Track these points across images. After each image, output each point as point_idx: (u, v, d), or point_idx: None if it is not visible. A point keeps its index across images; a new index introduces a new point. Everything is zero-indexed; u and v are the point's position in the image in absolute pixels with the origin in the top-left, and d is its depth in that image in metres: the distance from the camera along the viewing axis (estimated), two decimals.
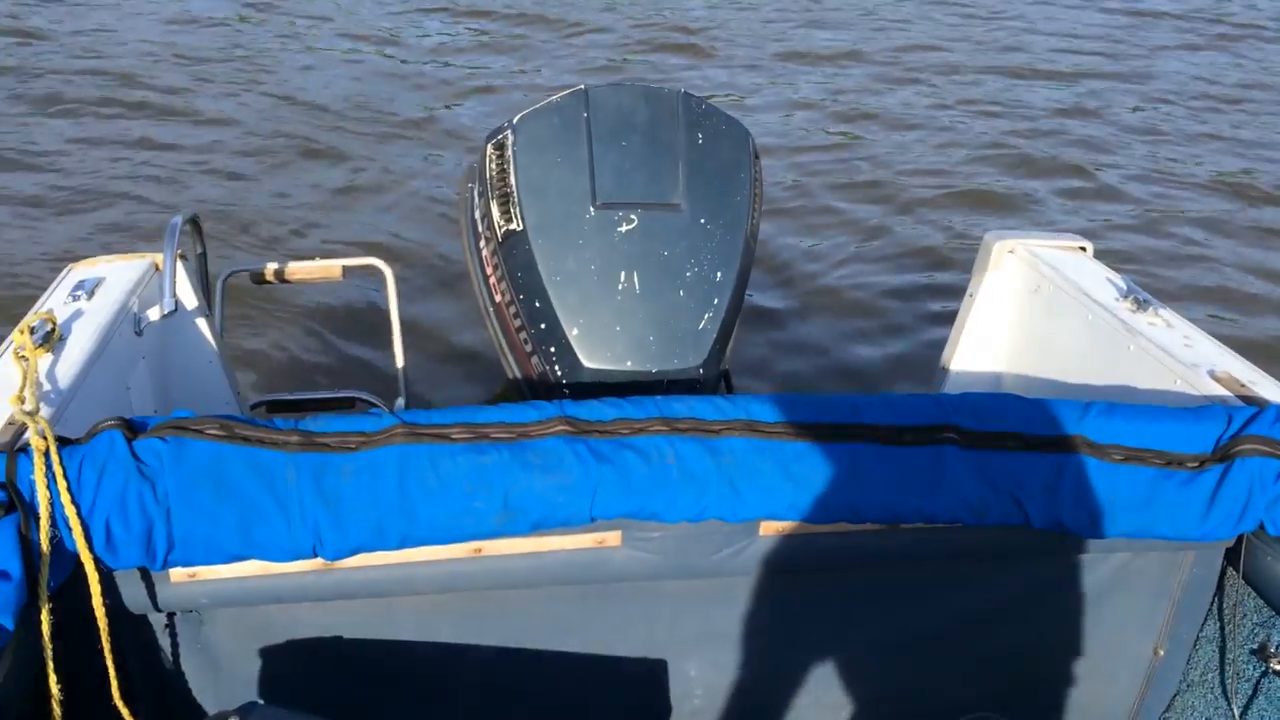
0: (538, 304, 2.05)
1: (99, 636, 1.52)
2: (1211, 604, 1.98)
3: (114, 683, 1.56)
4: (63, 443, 1.50)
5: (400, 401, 2.73)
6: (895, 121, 7.37)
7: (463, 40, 8.89)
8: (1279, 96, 8.36)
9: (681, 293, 2.04)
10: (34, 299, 2.19)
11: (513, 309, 2.13)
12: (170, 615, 1.73)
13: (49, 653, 1.45)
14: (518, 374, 2.22)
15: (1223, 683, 1.97)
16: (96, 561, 1.49)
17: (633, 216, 2.06)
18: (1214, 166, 6.82)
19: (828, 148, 6.87)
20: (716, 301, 2.06)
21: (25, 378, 1.68)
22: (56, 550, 1.47)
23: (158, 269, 2.30)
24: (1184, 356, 2.04)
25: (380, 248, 5.15)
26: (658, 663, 1.89)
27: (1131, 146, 7.13)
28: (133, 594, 1.62)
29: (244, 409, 2.59)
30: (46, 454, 1.46)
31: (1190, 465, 1.72)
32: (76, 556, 1.49)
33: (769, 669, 1.93)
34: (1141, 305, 2.22)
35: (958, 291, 2.74)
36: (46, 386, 1.78)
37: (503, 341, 2.25)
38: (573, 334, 2.01)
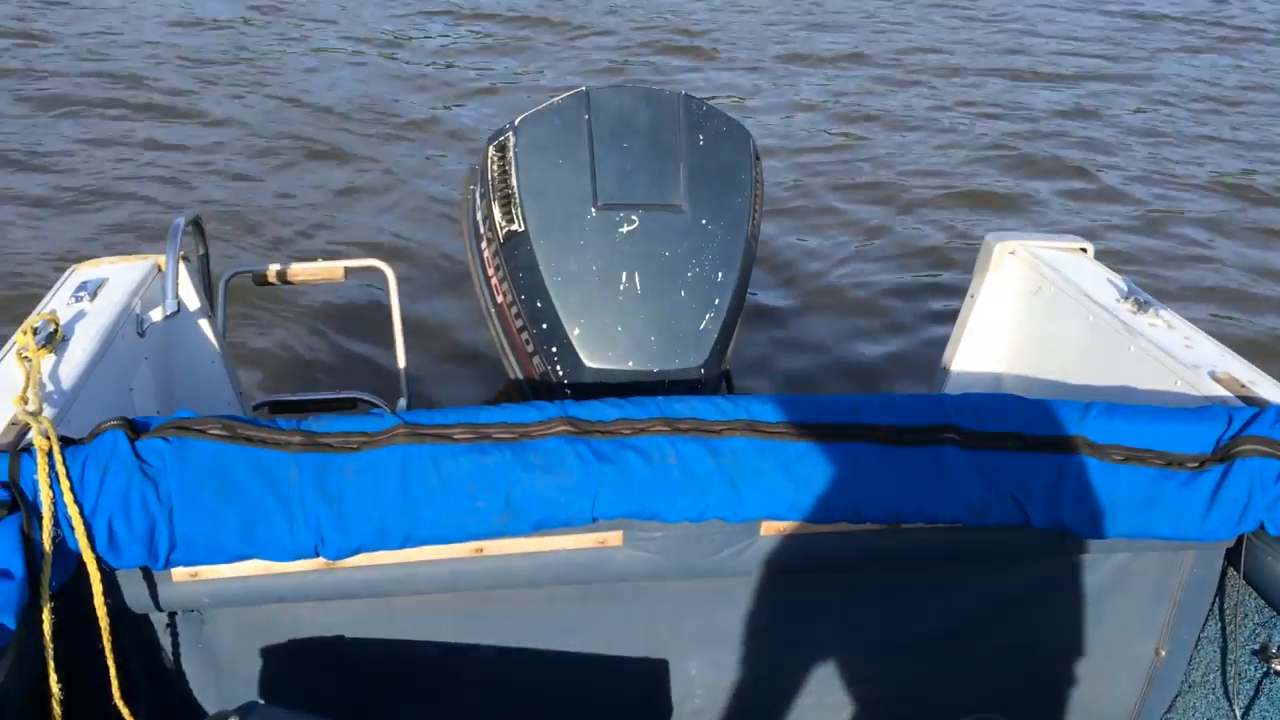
0: (539, 304, 2.05)
1: (100, 636, 1.52)
2: (1212, 604, 1.98)
3: (115, 682, 1.56)
4: (66, 443, 1.50)
5: (402, 402, 2.74)
6: (897, 123, 7.38)
7: (466, 42, 8.90)
8: (1279, 98, 8.36)
9: (683, 293, 2.05)
10: (38, 299, 2.19)
11: (514, 309, 2.13)
12: (172, 615, 1.73)
13: (50, 652, 1.45)
14: (519, 374, 2.23)
15: (1224, 683, 1.97)
16: (98, 561, 1.50)
17: (634, 217, 2.07)
18: (1214, 167, 6.82)
19: (829, 149, 6.88)
20: (718, 302, 2.06)
21: (28, 378, 1.68)
22: (59, 550, 1.47)
23: (160, 270, 2.30)
24: (1184, 357, 2.05)
25: (383, 248, 5.16)
26: (659, 662, 1.90)
27: (1132, 147, 7.13)
28: (134, 593, 1.62)
29: (246, 410, 2.59)
30: (49, 454, 1.46)
31: (1191, 465, 1.72)
32: (79, 556, 1.50)
33: (770, 669, 1.93)
34: (1142, 306, 2.23)
35: (958, 291, 2.75)
36: (49, 387, 1.78)
37: (504, 342, 2.25)
38: (574, 334, 2.02)
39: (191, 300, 2.37)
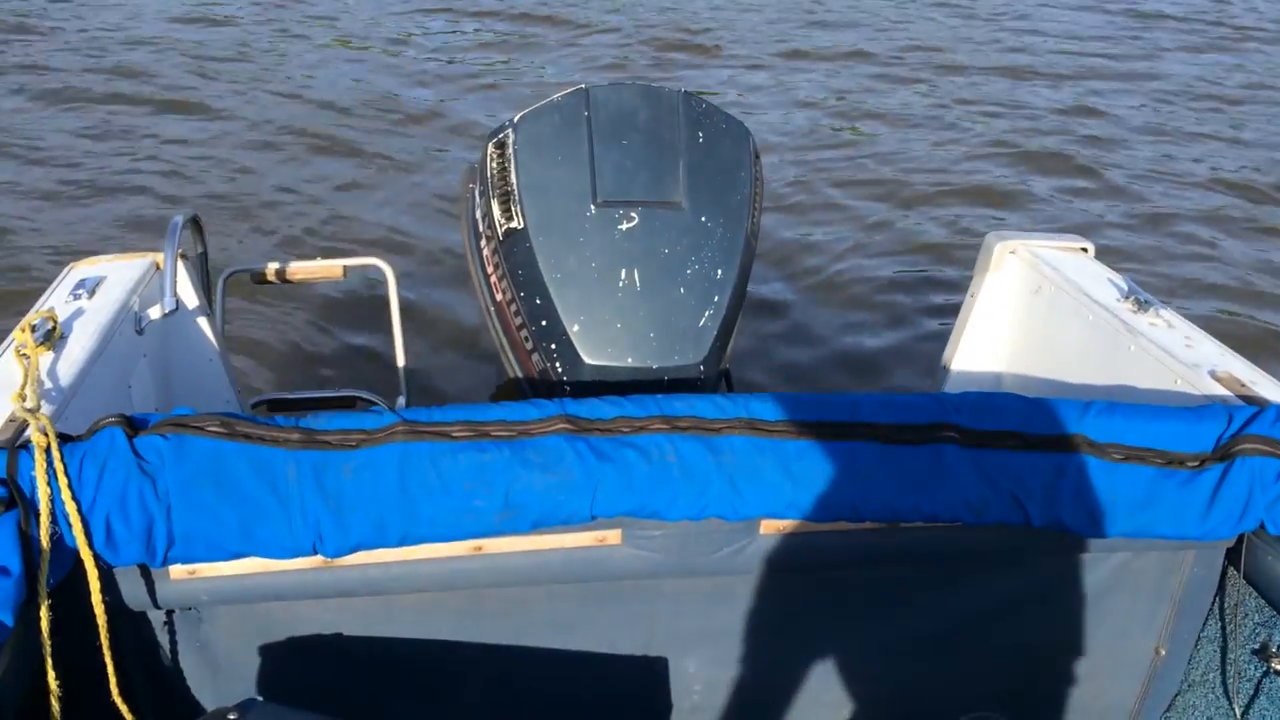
0: (538, 301, 2.05)
1: (98, 633, 1.52)
2: (1212, 603, 1.98)
3: (112, 679, 1.56)
4: (64, 439, 1.50)
5: (401, 400, 2.74)
6: (898, 120, 7.37)
7: (466, 39, 8.89)
8: (1278, 97, 8.36)
9: (682, 290, 2.04)
10: (38, 294, 2.20)
11: (513, 307, 2.13)
12: (169, 612, 1.73)
13: (48, 649, 1.45)
14: (518, 372, 2.23)
15: (1224, 682, 1.96)
16: (96, 558, 1.50)
17: (633, 214, 2.06)
18: (1215, 165, 6.82)
19: (830, 146, 6.88)
20: (717, 299, 2.06)
21: (26, 375, 1.68)
22: (56, 547, 1.47)
23: (159, 268, 2.30)
24: (1185, 357, 2.04)
25: (383, 244, 5.18)
26: (658, 660, 1.90)
27: (1133, 145, 7.13)
28: (132, 591, 1.62)
29: (245, 408, 2.59)
30: (48, 451, 1.46)
31: (1191, 465, 1.72)
32: (76, 553, 1.49)
33: (768, 667, 1.93)
34: (1142, 306, 2.22)
35: (958, 287, 2.75)
36: (48, 384, 1.78)
37: (503, 340, 2.25)
38: (573, 331, 2.01)
39: (190, 298, 2.37)
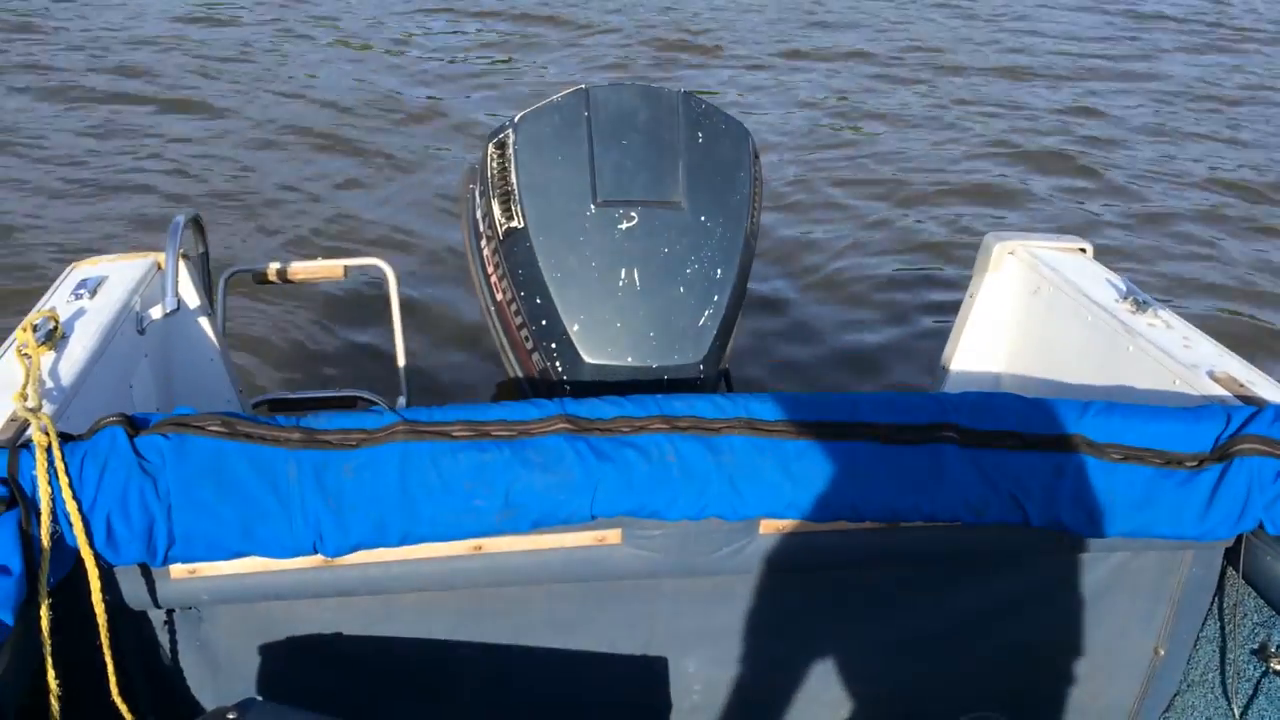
0: (538, 300, 2.05)
1: (98, 632, 1.52)
2: (1211, 603, 1.98)
3: (112, 678, 1.56)
4: (65, 439, 1.50)
5: (401, 400, 2.74)
6: (898, 119, 7.38)
7: (468, 39, 8.90)
8: (1278, 97, 8.37)
9: (682, 289, 2.05)
10: (40, 292, 2.20)
11: (514, 306, 2.13)
12: (170, 611, 1.73)
13: (48, 648, 1.45)
14: (518, 372, 2.23)
15: (1223, 682, 1.97)
16: (97, 557, 1.50)
17: (633, 214, 2.07)
18: (1214, 165, 6.83)
19: (831, 145, 6.89)
20: (717, 298, 2.06)
21: (28, 375, 1.69)
22: (57, 546, 1.47)
23: (160, 268, 2.30)
24: (1183, 357, 2.05)
25: (384, 244, 5.20)
26: (657, 660, 1.90)
27: (1132, 145, 7.14)
28: (133, 590, 1.62)
29: (245, 408, 2.59)
30: (49, 450, 1.46)
31: (1189, 465, 1.72)
32: (77, 552, 1.50)
33: (768, 667, 1.93)
34: (1141, 306, 2.23)
35: (958, 285, 2.75)
36: (49, 384, 1.79)
37: (504, 340, 2.25)
38: (573, 330, 2.02)
39: (191, 298, 2.37)
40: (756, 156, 2.26)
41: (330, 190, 5.88)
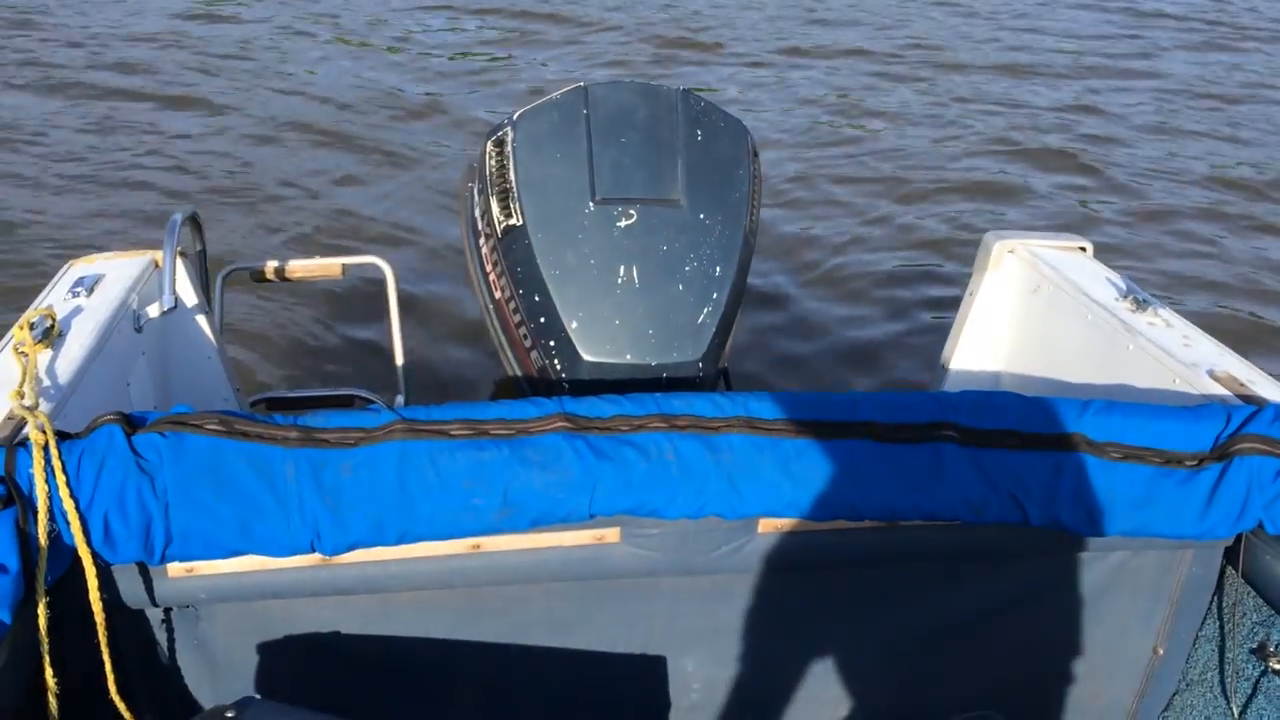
0: (537, 298, 2.05)
1: (96, 631, 1.52)
2: (1211, 603, 1.98)
3: (110, 677, 1.56)
4: (62, 437, 1.50)
5: (400, 398, 2.73)
6: (898, 117, 7.38)
7: (468, 36, 8.90)
8: (1277, 95, 8.37)
9: (680, 287, 2.04)
10: (38, 288, 2.20)
11: (512, 304, 2.13)
12: (167, 610, 1.73)
13: (46, 647, 1.45)
14: (517, 371, 2.23)
15: (1222, 682, 1.96)
16: (94, 556, 1.50)
17: (632, 211, 2.06)
18: (1214, 163, 6.84)
19: (831, 143, 6.89)
20: (716, 296, 2.06)
21: (25, 373, 1.68)
22: (54, 544, 1.47)
23: (157, 266, 2.30)
24: (1183, 356, 2.04)
25: (384, 241, 5.22)
26: (656, 659, 1.90)
27: (1133, 143, 7.14)
28: (130, 589, 1.62)
29: (243, 406, 2.59)
30: (46, 448, 1.46)
31: (1189, 464, 1.72)
32: (74, 551, 1.49)
33: (767, 665, 1.93)
34: (1141, 305, 2.22)
35: (957, 283, 2.75)
36: (46, 382, 1.78)
37: (502, 338, 2.25)
38: (572, 327, 2.01)
39: (189, 296, 2.37)
40: (755, 154, 2.26)
41: (329, 186, 5.89)
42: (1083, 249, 2.54)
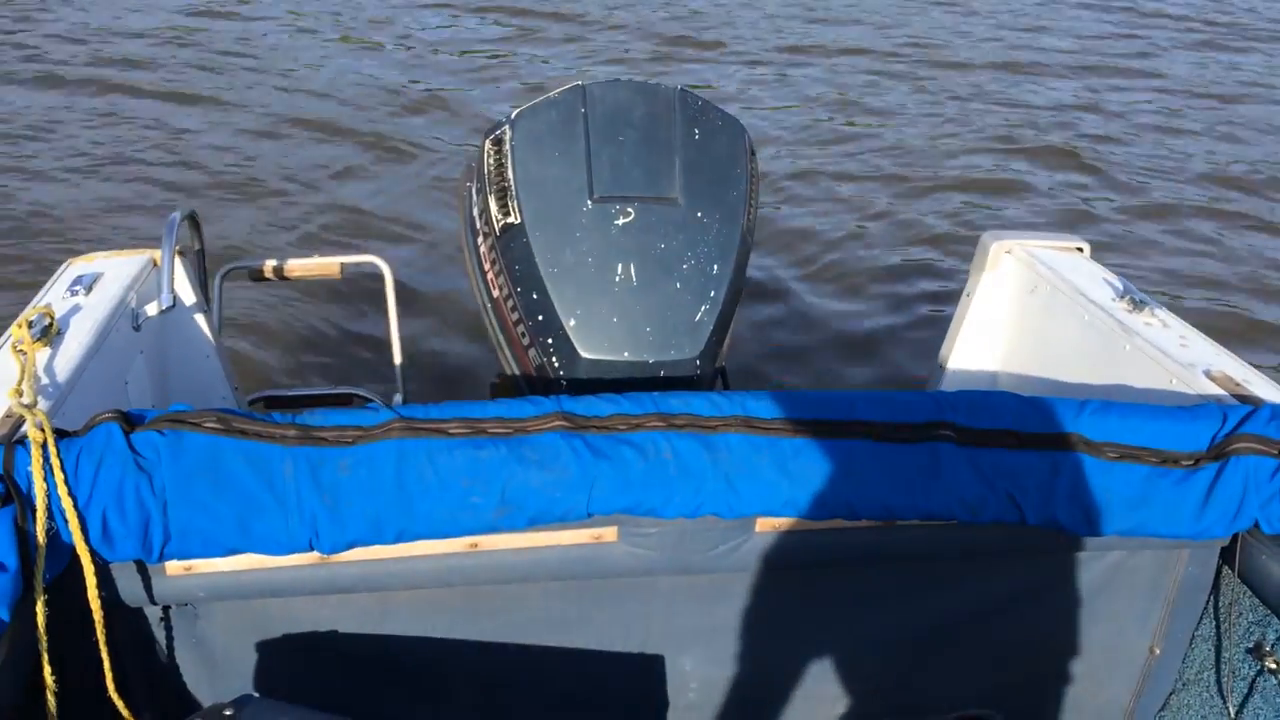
0: (535, 296, 2.05)
1: (94, 629, 1.52)
2: (1207, 602, 1.98)
3: (109, 675, 1.56)
4: (60, 435, 1.50)
5: (398, 397, 2.74)
6: (897, 115, 7.39)
7: (469, 33, 8.90)
8: (1277, 94, 8.38)
9: (678, 285, 2.05)
10: (37, 285, 2.20)
11: (510, 303, 2.13)
12: (166, 608, 1.73)
13: (44, 644, 1.45)
14: (515, 369, 2.23)
15: (1218, 681, 1.97)
16: (93, 554, 1.50)
17: (630, 209, 2.07)
18: (1214, 162, 6.84)
19: (831, 140, 6.89)
20: (713, 294, 2.06)
21: (23, 371, 1.69)
22: (53, 542, 1.47)
23: (156, 265, 2.30)
24: (1180, 356, 2.05)
25: (384, 238, 5.22)
26: (654, 658, 1.90)
27: (1132, 141, 7.15)
28: (129, 587, 1.62)
29: (241, 404, 2.59)
30: (44, 446, 1.46)
31: (1185, 463, 1.72)
32: (73, 549, 1.49)
33: (764, 664, 1.93)
34: (1138, 305, 2.23)
35: (956, 280, 2.75)
36: (44, 380, 1.78)
37: (500, 337, 2.25)
38: (570, 325, 2.01)
39: (187, 295, 2.37)
40: (753, 153, 2.26)
41: (331, 181, 5.90)
42: (1080, 249, 2.54)
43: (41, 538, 1.45)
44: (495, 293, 2.21)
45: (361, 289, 4.58)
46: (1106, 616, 1.97)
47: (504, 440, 1.60)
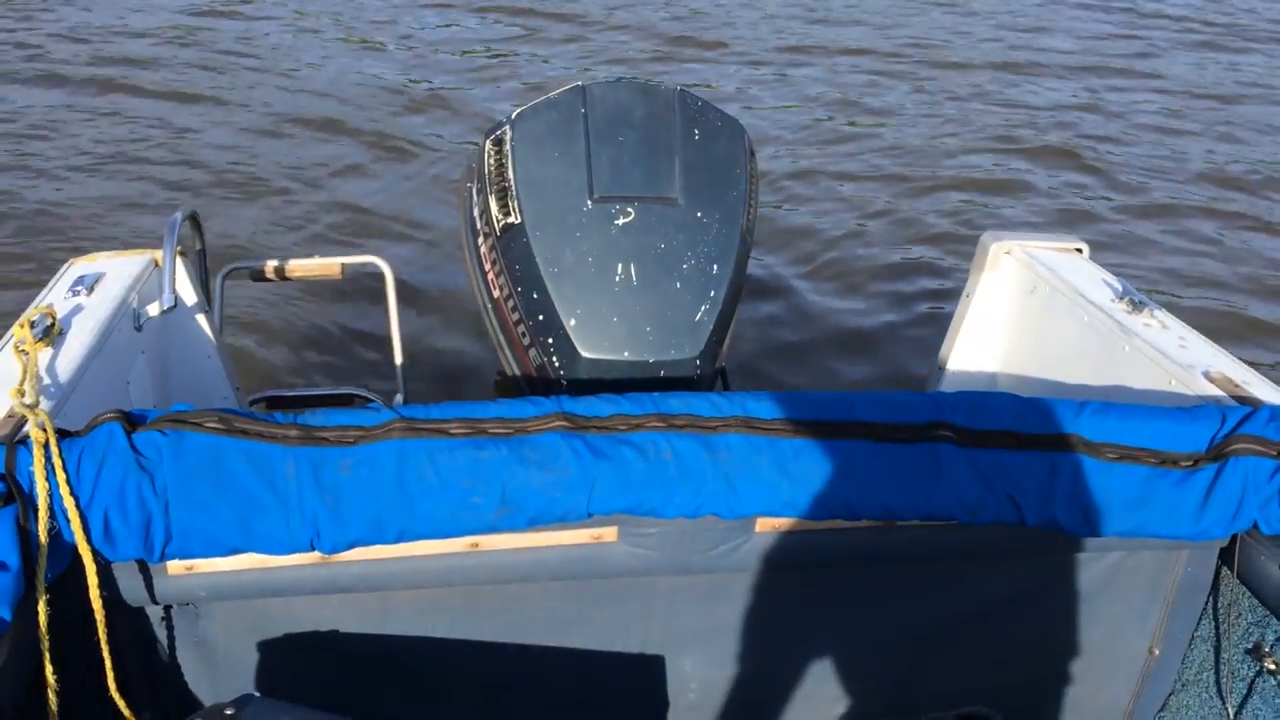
0: (535, 296, 2.05)
1: (96, 628, 1.52)
2: (1206, 603, 1.99)
3: (110, 674, 1.56)
4: (62, 435, 1.50)
5: (399, 397, 2.74)
6: (898, 115, 7.39)
7: (470, 33, 8.90)
8: (1276, 94, 8.39)
9: (678, 284, 2.05)
10: (45, 280, 2.20)
11: (510, 303, 2.13)
12: (167, 608, 1.73)
13: (46, 644, 1.45)
14: (516, 370, 2.23)
15: (1217, 682, 1.97)
16: (94, 553, 1.50)
17: (630, 209, 2.07)
18: (1214, 162, 6.85)
19: (831, 140, 6.89)
20: (713, 294, 2.06)
21: (25, 371, 1.69)
22: (55, 542, 1.48)
23: (157, 265, 2.30)
24: (1179, 357, 2.05)
25: (385, 236, 5.21)
26: (654, 658, 1.90)
27: (1132, 141, 7.16)
28: (130, 586, 1.63)
29: (243, 405, 2.59)
30: (46, 446, 1.47)
31: (1184, 464, 1.73)
32: (74, 548, 1.50)
33: (764, 665, 1.93)
34: (1137, 306, 2.23)
35: (956, 279, 2.76)
36: (46, 380, 1.79)
37: (501, 337, 2.25)
38: (570, 324, 2.02)
39: (189, 295, 2.38)
40: (752, 154, 2.27)
41: (332, 181, 5.91)
42: (1079, 250, 2.55)
43: (43, 537, 1.45)
44: (496, 293, 2.21)
45: (363, 289, 4.58)
46: (1106, 617, 1.97)
47: (505, 440, 1.61)
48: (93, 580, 1.50)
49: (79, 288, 2.14)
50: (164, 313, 2.23)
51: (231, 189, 5.69)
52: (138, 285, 2.21)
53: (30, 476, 1.46)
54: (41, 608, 1.45)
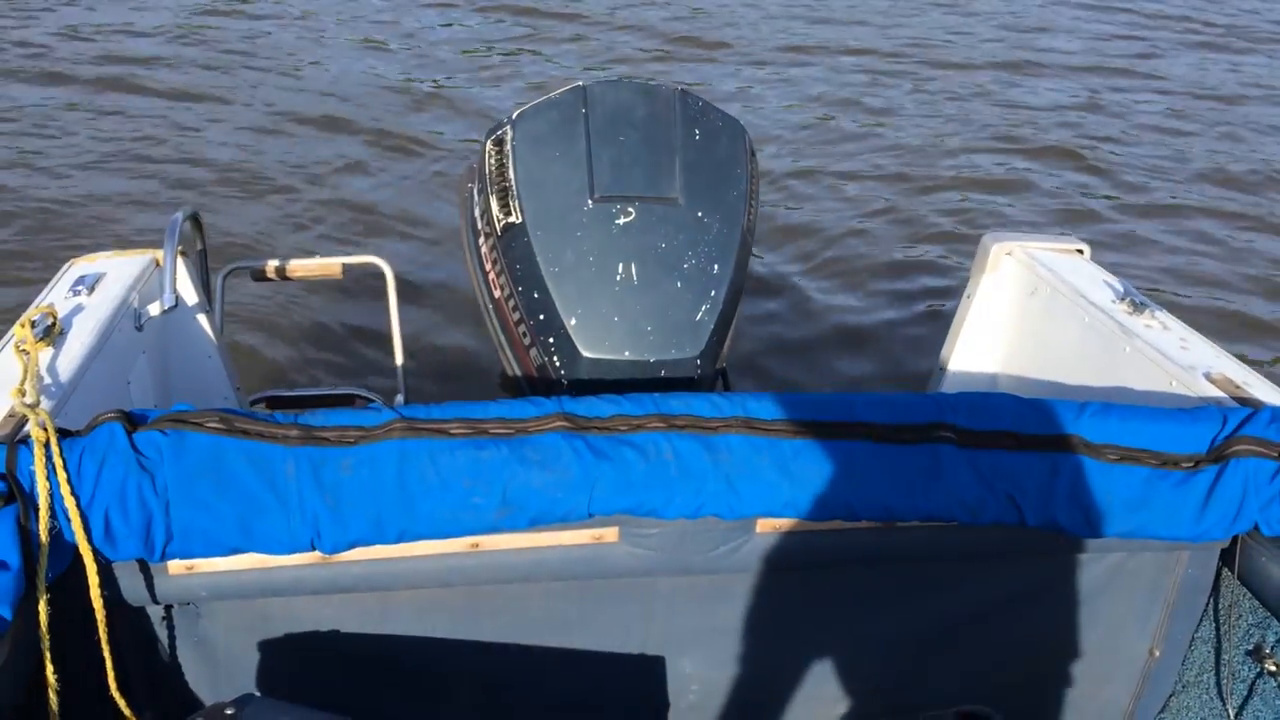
0: (536, 295, 2.05)
1: (97, 628, 1.52)
2: (1206, 604, 1.99)
3: (111, 674, 1.56)
4: (63, 435, 1.51)
5: (399, 397, 2.74)
6: (900, 114, 7.39)
7: (471, 33, 8.91)
8: (1277, 95, 8.39)
9: (679, 284, 2.05)
10: (47, 279, 2.20)
11: (511, 302, 2.14)
12: (168, 607, 1.73)
13: (46, 643, 1.46)
14: (516, 370, 2.23)
15: (1218, 683, 1.97)
16: (95, 553, 1.50)
17: (630, 209, 2.07)
18: (1214, 162, 6.85)
19: (831, 139, 6.89)
20: (714, 294, 2.07)
21: (26, 371, 1.69)
22: (55, 541, 1.48)
23: (158, 265, 2.31)
24: (1180, 358, 2.05)
25: (387, 235, 5.22)
26: (654, 659, 1.90)
27: (1133, 142, 7.16)
28: (131, 586, 1.63)
29: (243, 404, 2.59)
30: (47, 446, 1.47)
31: (1185, 465, 1.73)
32: (75, 548, 1.50)
33: (765, 666, 1.93)
34: (1138, 308, 2.23)
35: (956, 276, 2.76)
36: (47, 380, 1.79)
37: (501, 337, 2.26)
38: (571, 324, 2.02)
39: (189, 295, 2.38)
40: (753, 154, 2.27)
41: (334, 178, 5.92)
42: (1080, 251, 2.55)
43: (44, 537, 1.46)
44: (496, 292, 2.21)
45: (363, 288, 4.59)
46: (1106, 618, 1.97)
47: (505, 441, 1.61)
48: (93, 580, 1.50)
49: (80, 287, 2.14)
50: (165, 312, 2.23)
51: (234, 187, 5.70)
52: (139, 285, 2.21)
53: (31, 476, 1.46)
54: (42, 607, 1.45)
